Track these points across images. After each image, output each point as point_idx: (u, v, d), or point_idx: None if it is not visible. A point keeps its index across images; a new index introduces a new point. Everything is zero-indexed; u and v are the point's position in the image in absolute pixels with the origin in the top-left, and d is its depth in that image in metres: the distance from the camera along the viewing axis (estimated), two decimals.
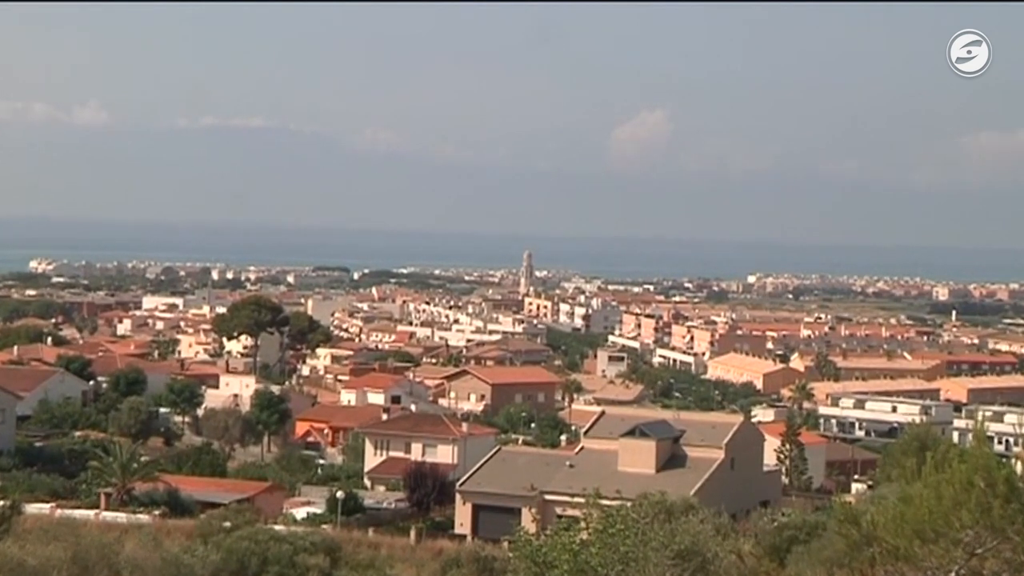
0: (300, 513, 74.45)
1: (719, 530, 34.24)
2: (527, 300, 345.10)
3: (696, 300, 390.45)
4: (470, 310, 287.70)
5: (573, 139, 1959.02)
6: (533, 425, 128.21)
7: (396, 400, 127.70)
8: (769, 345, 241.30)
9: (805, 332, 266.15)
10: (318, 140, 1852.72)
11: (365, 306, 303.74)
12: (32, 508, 59.02)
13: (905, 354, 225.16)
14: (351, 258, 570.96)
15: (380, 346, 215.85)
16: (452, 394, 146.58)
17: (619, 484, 57.28)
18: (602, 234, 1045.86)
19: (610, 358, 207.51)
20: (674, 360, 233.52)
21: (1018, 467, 21.17)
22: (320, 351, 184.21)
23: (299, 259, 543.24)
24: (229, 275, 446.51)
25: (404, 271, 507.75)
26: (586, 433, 76.64)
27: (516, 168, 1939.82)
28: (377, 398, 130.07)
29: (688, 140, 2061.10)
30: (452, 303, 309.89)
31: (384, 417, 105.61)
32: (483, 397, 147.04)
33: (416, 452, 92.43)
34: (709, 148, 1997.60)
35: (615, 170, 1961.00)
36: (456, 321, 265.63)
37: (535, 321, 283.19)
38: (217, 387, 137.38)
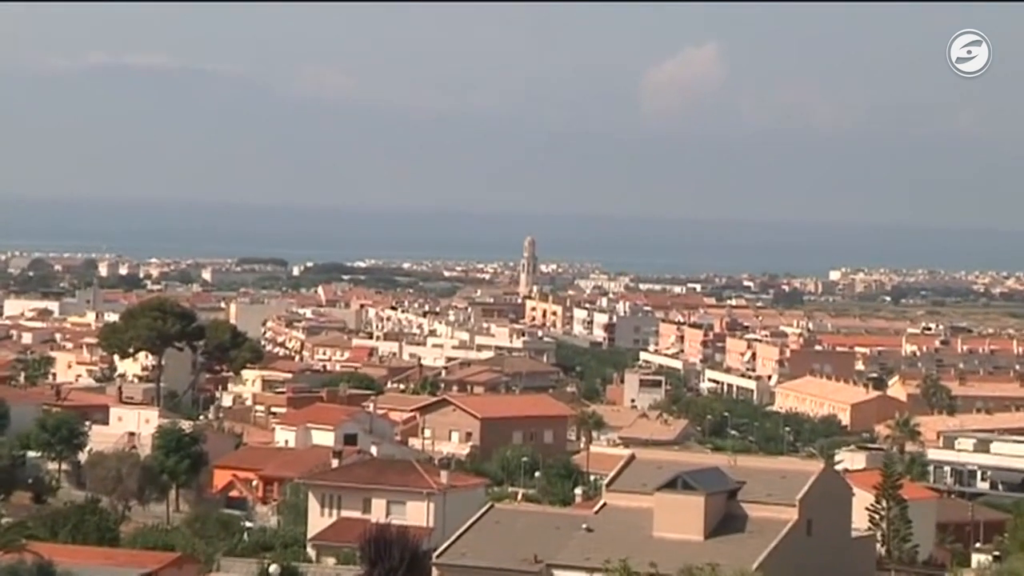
0: None
1: None
2: (529, 304, 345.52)
3: (760, 304, 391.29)
4: (451, 317, 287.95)
5: (591, 85, 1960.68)
6: (537, 474, 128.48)
7: (351, 440, 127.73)
8: (859, 365, 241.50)
9: (908, 348, 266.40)
10: (242, 85, 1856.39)
11: (308, 312, 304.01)
12: None
13: None
14: (289, 247, 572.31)
15: (329, 366, 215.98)
16: (427, 432, 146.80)
17: (654, 554, 57.43)
18: (630, 214, 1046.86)
19: (642, 383, 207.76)
20: (729, 386, 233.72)
21: None
22: (247, 373, 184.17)
23: (218, 248, 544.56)
24: (123, 270, 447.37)
25: (361, 264, 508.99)
26: (609, 485, 76.72)
27: (513, 123, 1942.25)
28: (325, 438, 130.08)
29: (749, 87, 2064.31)
30: (427, 308, 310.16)
31: (335, 464, 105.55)
32: (469, 436, 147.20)
33: (378, 511, 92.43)
34: (778, 98, 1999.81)
35: (648, 127, 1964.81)
36: (432, 332, 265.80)
37: (540, 332, 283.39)
38: (107, 423, 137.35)
